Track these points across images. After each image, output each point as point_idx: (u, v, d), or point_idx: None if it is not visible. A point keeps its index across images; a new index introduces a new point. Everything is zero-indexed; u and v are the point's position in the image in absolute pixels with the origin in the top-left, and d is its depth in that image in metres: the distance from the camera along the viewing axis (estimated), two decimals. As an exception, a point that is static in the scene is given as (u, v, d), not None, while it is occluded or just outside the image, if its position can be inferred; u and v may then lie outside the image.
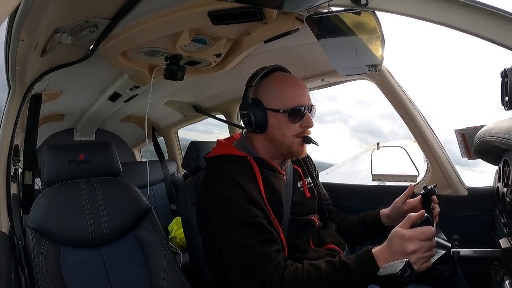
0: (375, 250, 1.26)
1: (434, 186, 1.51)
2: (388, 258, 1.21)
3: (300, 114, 1.56)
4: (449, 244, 1.30)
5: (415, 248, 1.17)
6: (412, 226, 1.22)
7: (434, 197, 1.55)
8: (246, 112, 1.60)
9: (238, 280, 1.43)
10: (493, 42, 1.07)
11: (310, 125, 1.58)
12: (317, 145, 1.66)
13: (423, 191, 1.52)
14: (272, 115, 1.58)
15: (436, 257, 1.24)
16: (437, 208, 1.55)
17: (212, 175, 1.59)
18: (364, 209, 1.95)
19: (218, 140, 1.75)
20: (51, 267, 1.63)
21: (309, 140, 1.60)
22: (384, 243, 1.25)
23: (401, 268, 1.04)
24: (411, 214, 1.26)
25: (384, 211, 1.76)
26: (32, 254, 1.63)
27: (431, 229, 1.19)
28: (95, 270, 1.75)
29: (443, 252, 1.27)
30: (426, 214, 1.24)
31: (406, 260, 1.06)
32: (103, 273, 1.76)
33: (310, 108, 1.60)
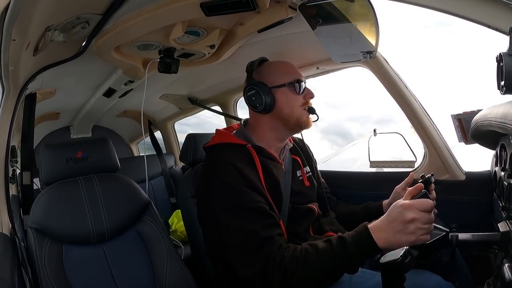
0: (372, 223, 1.27)
1: (432, 175, 1.52)
2: (385, 227, 1.22)
3: (302, 86, 1.68)
4: (448, 229, 1.31)
5: (413, 216, 1.17)
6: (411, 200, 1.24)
7: (432, 185, 1.55)
8: (253, 91, 1.67)
9: (242, 265, 1.42)
10: (488, 26, 1.07)
11: (312, 95, 1.70)
12: (317, 118, 1.75)
13: (420, 180, 1.53)
14: (278, 91, 1.66)
15: (435, 236, 1.26)
16: (433, 194, 1.56)
17: (212, 163, 1.60)
18: (363, 195, 1.96)
19: (217, 130, 1.76)
20: (54, 266, 1.63)
21: (314, 110, 1.70)
22: (383, 215, 1.26)
23: (401, 254, 1.05)
24: (410, 188, 1.28)
25: (386, 202, 1.77)
26: (35, 254, 1.63)
27: (429, 201, 1.21)
28: (98, 266, 1.75)
29: (442, 233, 1.29)
30: (424, 190, 1.25)
31: (407, 247, 1.07)
32: (106, 269, 1.76)
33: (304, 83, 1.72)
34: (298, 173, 1.80)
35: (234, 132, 1.75)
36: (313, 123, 1.73)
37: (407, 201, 1.21)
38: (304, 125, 1.69)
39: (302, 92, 1.68)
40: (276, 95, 1.65)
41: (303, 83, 1.68)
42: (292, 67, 1.73)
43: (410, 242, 1.17)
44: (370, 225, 1.26)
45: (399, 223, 1.19)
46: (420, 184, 1.28)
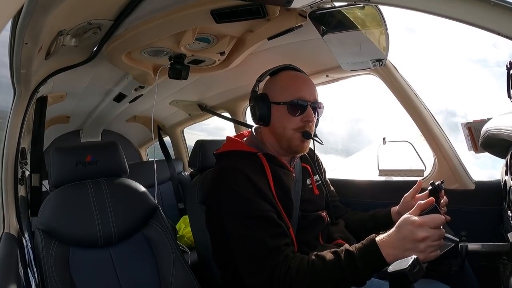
0: (379, 237, 1.25)
1: (442, 182, 1.49)
2: (395, 244, 1.20)
3: (300, 108, 1.60)
4: (457, 239, 1.29)
5: (425, 235, 1.15)
6: (421, 214, 1.22)
7: (442, 192, 1.53)
8: (252, 104, 1.67)
9: (248, 273, 1.43)
10: (498, 33, 1.06)
11: (310, 119, 1.60)
12: (321, 143, 1.71)
13: (430, 187, 1.51)
14: (275, 108, 1.62)
15: (445, 249, 1.24)
16: (444, 201, 1.53)
17: (222, 170, 1.60)
18: (371, 204, 1.94)
19: (228, 137, 1.76)
20: (60, 268, 1.64)
21: (308, 135, 1.61)
22: (392, 230, 1.23)
23: (409, 264, 1.04)
24: (420, 202, 1.25)
25: (394, 209, 1.74)
26: (42, 255, 1.64)
27: (441, 217, 1.18)
28: (104, 270, 1.76)
29: (451, 244, 1.27)
30: (434, 203, 1.23)
31: (415, 257, 1.06)
32: (112, 273, 1.76)
33: (314, 104, 1.62)
34: (308, 181, 1.78)
35: (244, 139, 1.74)
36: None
37: (418, 219, 1.18)
38: (295, 149, 1.64)
39: (300, 115, 1.60)
40: (272, 111, 1.63)
41: (304, 104, 1.60)
42: (298, 84, 1.65)
43: (420, 260, 1.15)
44: (378, 239, 1.24)
45: (409, 241, 1.17)
46: (431, 199, 1.26)
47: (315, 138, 1.65)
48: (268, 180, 1.55)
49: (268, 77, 1.73)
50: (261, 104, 1.63)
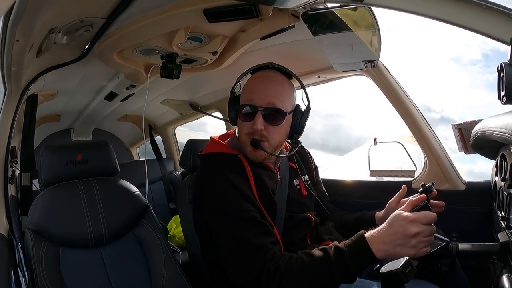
0: (369, 233, 1.25)
1: (432, 184, 1.50)
2: (386, 239, 1.20)
3: (247, 113, 1.56)
4: (448, 239, 1.31)
5: (417, 230, 1.16)
6: (413, 211, 1.22)
7: (435, 192, 1.53)
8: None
9: (236, 274, 1.42)
10: (489, 36, 1.08)
11: (256, 126, 1.52)
12: (288, 154, 1.70)
13: (421, 189, 1.52)
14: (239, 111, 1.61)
15: (436, 247, 1.25)
16: (440, 203, 1.52)
17: (204, 173, 1.61)
18: (361, 204, 1.95)
19: (211, 138, 1.75)
20: (51, 268, 1.62)
21: (255, 144, 1.54)
22: (382, 225, 1.24)
23: (402, 264, 1.05)
24: (411, 198, 1.26)
25: (379, 213, 1.72)
26: (32, 255, 1.62)
27: (433, 213, 1.20)
28: (95, 270, 1.74)
29: (442, 243, 1.28)
30: (425, 201, 1.24)
31: (407, 258, 1.07)
32: (103, 273, 1.75)
33: (268, 111, 1.54)
34: (296, 182, 1.77)
35: (227, 140, 1.73)
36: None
37: (411, 215, 1.19)
38: (249, 155, 1.59)
39: (250, 120, 1.54)
40: (238, 114, 1.62)
41: (249, 111, 1.55)
42: (252, 86, 1.60)
43: (410, 255, 1.15)
44: (368, 235, 1.25)
45: (401, 237, 1.17)
46: (422, 196, 1.27)
47: (263, 148, 1.54)
48: (249, 182, 1.54)
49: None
50: (231, 106, 1.64)
